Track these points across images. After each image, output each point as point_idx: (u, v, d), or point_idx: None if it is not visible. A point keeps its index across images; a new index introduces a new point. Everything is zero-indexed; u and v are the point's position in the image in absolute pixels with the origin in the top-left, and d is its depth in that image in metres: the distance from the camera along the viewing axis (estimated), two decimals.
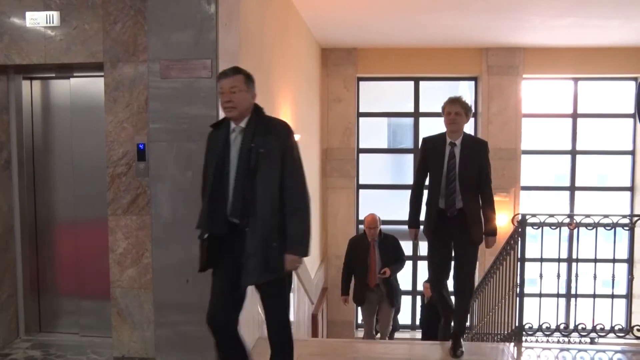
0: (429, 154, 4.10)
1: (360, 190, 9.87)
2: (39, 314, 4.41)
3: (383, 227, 6.43)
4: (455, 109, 4.14)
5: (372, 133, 10.11)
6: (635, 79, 9.33)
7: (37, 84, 4.30)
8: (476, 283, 8.30)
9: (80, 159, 4.21)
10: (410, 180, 9.81)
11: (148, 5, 3.58)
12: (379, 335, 6.69)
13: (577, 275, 4.81)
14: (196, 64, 3.48)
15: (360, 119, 9.87)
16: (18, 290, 4.31)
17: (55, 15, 3.89)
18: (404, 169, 10.06)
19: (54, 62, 3.95)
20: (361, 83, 9.84)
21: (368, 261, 6.24)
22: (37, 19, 3.90)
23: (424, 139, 4.24)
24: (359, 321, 9.66)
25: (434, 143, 4.15)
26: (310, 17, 7.41)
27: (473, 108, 9.69)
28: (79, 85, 4.19)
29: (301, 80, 7.49)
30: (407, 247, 8.98)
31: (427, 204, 4.12)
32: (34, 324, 4.40)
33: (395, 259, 6.28)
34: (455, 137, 4.08)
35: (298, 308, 6.24)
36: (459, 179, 3.92)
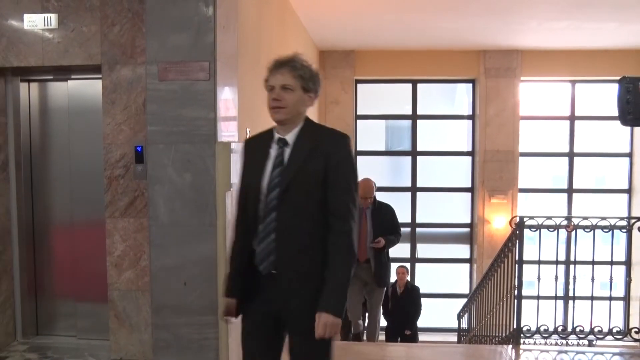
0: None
1: None
2: (36, 316, 4.40)
3: None
4: (280, 81, 2.32)
5: (370, 135, 10.13)
6: None
7: (35, 86, 4.29)
8: (474, 285, 8.32)
9: (78, 161, 4.20)
10: (408, 183, 9.91)
11: (146, 8, 3.57)
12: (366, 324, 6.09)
13: (575, 278, 4.82)
14: (194, 66, 3.48)
15: (358, 121, 9.88)
16: (15, 292, 4.30)
17: (53, 17, 3.89)
18: (402, 171, 10.07)
19: (51, 64, 3.94)
20: (359, 85, 9.85)
21: (358, 231, 5.20)
22: (35, 22, 3.89)
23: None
24: None
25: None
26: (308, 20, 7.42)
27: (471, 110, 9.91)
28: (76, 88, 4.19)
29: None
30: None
31: None
32: (31, 326, 4.38)
33: (390, 230, 5.54)
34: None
35: None
36: None
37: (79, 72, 4.10)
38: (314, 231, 2.28)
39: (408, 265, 8.31)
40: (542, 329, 4.65)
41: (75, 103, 4.19)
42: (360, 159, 9.91)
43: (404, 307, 7.00)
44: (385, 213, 5.58)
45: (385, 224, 5.51)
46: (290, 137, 2.35)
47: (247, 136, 4.31)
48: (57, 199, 4.31)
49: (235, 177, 3.66)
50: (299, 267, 2.28)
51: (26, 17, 3.90)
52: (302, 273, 2.28)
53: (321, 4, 6.78)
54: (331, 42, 9.02)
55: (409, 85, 9.84)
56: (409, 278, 7.57)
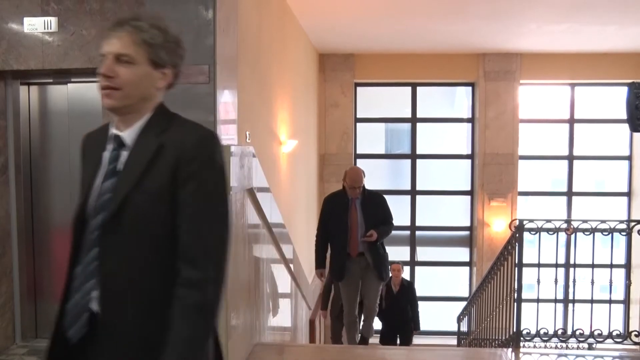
0: None
1: None
2: (35, 319, 4.39)
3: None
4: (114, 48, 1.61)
5: (370, 138, 10.13)
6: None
7: (35, 89, 4.29)
8: (474, 288, 8.32)
9: (78, 164, 4.20)
10: (408, 186, 9.91)
11: (146, 11, 3.58)
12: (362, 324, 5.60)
13: (574, 281, 4.82)
14: (193, 70, 3.48)
15: (358, 124, 9.89)
16: (15, 295, 4.29)
17: (53, 21, 3.89)
18: (402, 174, 10.07)
19: (51, 67, 3.95)
20: (358, 88, 9.86)
21: (348, 223, 5.06)
22: (35, 25, 3.90)
23: None
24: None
25: None
26: (308, 23, 7.43)
27: (470, 113, 9.92)
28: (76, 91, 4.19)
29: (298, 85, 7.50)
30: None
31: None
32: (30, 329, 4.38)
33: (382, 220, 5.14)
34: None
35: (296, 313, 6.22)
36: None
37: (79, 75, 4.10)
38: (155, 279, 1.50)
39: (407, 268, 8.29)
40: (542, 332, 4.65)
41: (75, 106, 4.19)
42: (359, 162, 9.91)
43: (401, 306, 6.74)
44: (376, 203, 5.19)
45: (377, 214, 5.11)
46: (129, 135, 1.62)
47: (247, 140, 4.31)
48: (57, 202, 4.31)
49: (234, 180, 3.66)
50: (127, 334, 1.51)
51: (26, 20, 3.91)
52: (131, 343, 1.51)
53: (321, 8, 6.79)
54: (331, 46, 9.03)
55: (409, 89, 9.85)
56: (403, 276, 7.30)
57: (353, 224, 5.05)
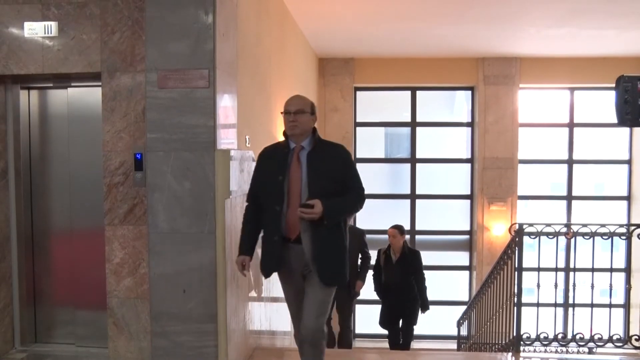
0: None
1: None
2: (34, 324, 4.38)
3: (377, 237, 6.13)
4: None
5: (369, 143, 10.14)
6: None
7: (35, 93, 4.30)
8: (474, 293, 8.31)
9: (78, 169, 4.21)
10: (407, 190, 9.91)
11: (146, 16, 3.59)
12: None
13: (574, 285, 4.82)
14: (193, 74, 3.49)
15: (357, 128, 9.89)
16: (14, 300, 4.29)
17: (53, 25, 3.90)
18: (401, 178, 10.08)
19: (51, 72, 3.95)
20: (358, 93, 9.87)
21: (284, 186, 3.19)
22: (36, 29, 3.91)
23: None
24: (357, 330, 9.62)
25: None
26: (308, 27, 7.45)
27: (470, 118, 9.92)
28: (76, 95, 4.19)
29: (298, 89, 7.50)
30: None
31: None
32: (29, 334, 4.37)
33: (340, 187, 3.21)
34: None
35: None
36: None
37: (79, 80, 4.10)
38: None
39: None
40: (542, 336, 4.65)
41: (74, 111, 4.19)
42: (359, 166, 9.84)
43: (402, 279, 5.75)
44: (332, 156, 3.25)
45: (332, 174, 3.18)
46: None
47: (247, 144, 4.32)
48: (57, 207, 4.31)
49: (234, 184, 3.66)
50: None
51: (26, 25, 3.91)
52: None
53: (320, 12, 6.80)
54: (330, 50, 9.05)
55: (408, 93, 9.86)
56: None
57: (292, 188, 3.16)
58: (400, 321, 6.22)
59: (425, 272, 6.20)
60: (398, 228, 6.08)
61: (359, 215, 9.30)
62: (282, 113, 3.31)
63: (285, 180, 3.19)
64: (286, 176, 3.20)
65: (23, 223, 4.29)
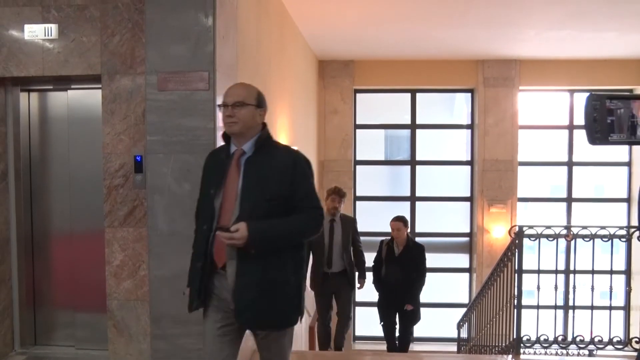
0: None
1: (357, 202, 9.88)
2: (34, 326, 4.38)
3: (377, 239, 6.10)
4: None
5: (369, 145, 10.14)
6: (630, 91, 9.38)
7: (35, 95, 4.30)
8: (474, 295, 8.30)
9: (77, 171, 4.20)
10: (407, 192, 9.91)
11: (146, 18, 3.60)
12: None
13: (574, 287, 4.82)
14: (193, 76, 3.50)
15: (357, 130, 9.90)
16: (13, 302, 4.28)
17: (53, 28, 3.90)
18: (401, 180, 10.08)
19: (51, 74, 3.95)
20: (358, 95, 9.88)
21: (218, 198, 2.54)
22: (36, 32, 3.91)
23: None
24: (357, 333, 9.63)
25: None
26: (308, 30, 7.46)
27: (470, 120, 9.93)
28: (76, 97, 4.19)
29: (298, 92, 7.51)
30: None
31: None
32: (29, 336, 4.36)
33: (283, 204, 2.47)
34: None
35: None
36: None
37: (79, 82, 4.11)
38: None
39: None
40: (542, 338, 4.64)
41: (74, 113, 4.19)
42: (359, 169, 9.93)
43: (403, 274, 5.62)
44: (275, 164, 2.57)
45: (271, 186, 2.52)
46: None
47: None
48: (56, 209, 4.30)
49: None
50: None
51: (27, 27, 3.92)
52: None
53: (320, 14, 6.81)
54: (330, 52, 9.06)
55: (408, 95, 9.87)
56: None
57: (225, 203, 2.56)
58: (399, 321, 6.04)
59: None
60: (402, 220, 5.82)
61: (359, 218, 9.35)
62: (218, 106, 2.68)
63: (218, 194, 2.57)
64: (220, 189, 2.57)
65: (23, 225, 4.29)
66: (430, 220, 9.93)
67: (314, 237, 2.68)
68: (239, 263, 2.49)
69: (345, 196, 5.85)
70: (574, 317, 4.99)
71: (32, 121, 4.30)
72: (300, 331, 6.71)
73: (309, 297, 7.16)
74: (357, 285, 5.93)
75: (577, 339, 4.68)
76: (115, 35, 3.88)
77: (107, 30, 3.88)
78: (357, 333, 9.65)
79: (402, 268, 5.61)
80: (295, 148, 2.86)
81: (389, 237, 5.84)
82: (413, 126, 9.90)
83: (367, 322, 9.02)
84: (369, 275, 6.11)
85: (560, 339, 4.70)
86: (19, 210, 4.26)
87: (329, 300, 5.88)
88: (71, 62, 3.92)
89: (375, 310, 6.18)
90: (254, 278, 2.49)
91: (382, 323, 6.08)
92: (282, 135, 6.10)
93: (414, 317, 5.89)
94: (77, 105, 4.19)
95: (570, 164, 9.74)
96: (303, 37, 7.71)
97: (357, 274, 5.90)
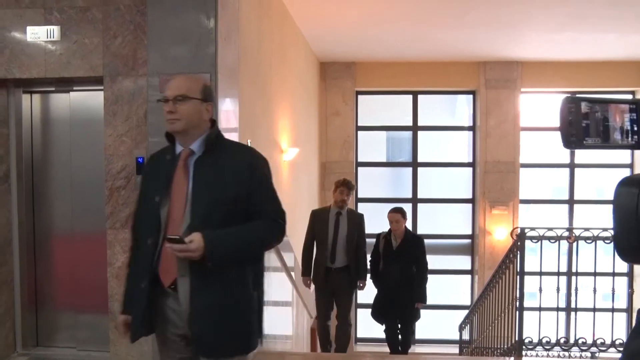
0: None
1: (359, 204, 9.87)
2: (36, 328, 4.38)
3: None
4: None
5: (371, 146, 10.15)
6: (632, 92, 9.38)
7: (37, 97, 4.30)
8: (476, 297, 8.29)
9: (79, 173, 4.21)
10: (409, 194, 9.91)
11: (148, 20, 3.60)
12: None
13: (576, 289, 4.80)
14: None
15: (359, 132, 9.91)
16: (15, 304, 4.29)
17: (55, 29, 3.91)
18: (403, 182, 10.08)
19: (54, 76, 3.96)
20: (360, 97, 9.88)
21: (163, 202, 2.19)
22: (38, 34, 3.92)
23: None
24: (358, 335, 9.61)
25: None
26: (309, 31, 7.46)
27: (471, 122, 9.93)
28: (78, 99, 4.20)
29: (300, 93, 7.52)
30: None
31: None
32: (31, 338, 4.36)
33: (240, 210, 2.25)
34: None
35: (297, 322, 6.20)
36: None
37: (81, 84, 4.11)
38: None
39: None
40: (544, 340, 4.63)
41: (76, 114, 4.20)
42: (360, 170, 9.93)
43: (401, 268, 5.34)
44: (230, 164, 2.25)
45: (226, 189, 2.20)
46: None
47: None
48: (58, 210, 4.31)
49: None
50: None
51: (29, 29, 3.93)
52: None
53: (322, 16, 6.82)
54: (332, 54, 9.06)
55: (410, 97, 9.87)
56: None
57: (173, 211, 2.22)
58: (399, 321, 5.91)
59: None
60: (400, 211, 5.60)
61: None
62: (158, 101, 2.31)
63: (164, 201, 2.20)
64: (165, 195, 2.21)
65: (25, 227, 4.29)
66: (432, 222, 9.92)
67: (273, 247, 2.42)
68: (194, 280, 2.13)
69: (353, 189, 5.60)
70: (576, 319, 4.97)
71: (34, 123, 4.31)
72: (302, 333, 6.71)
73: (309, 297, 7.17)
74: (359, 285, 5.87)
75: (580, 341, 4.67)
76: (117, 37, 3.89)
77: (109, 32, 3.89)
78: (359, 335, 9.63)
79: (401, 262, 5.40)
80: (250, 145, 2.54)
81: (387, 230, 5.67)
82: (415, 128, 9.90)
83: (369, 324, 9.00)
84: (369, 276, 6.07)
85: (562, 341, 4.69)
86: (21, 211, 4.27)
87: (329, 297, 5.63)
88: (73, 64, 3.93)
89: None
90: (213, 297, 2.14)
91: (383, 326, 6.01)
92: (283, 136, 6.10)
93: (414, 315, 5.74)
94: (79, 107, 4.20)
95: (572, 166, 9.74)
96: (304, 38, 7.72)
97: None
